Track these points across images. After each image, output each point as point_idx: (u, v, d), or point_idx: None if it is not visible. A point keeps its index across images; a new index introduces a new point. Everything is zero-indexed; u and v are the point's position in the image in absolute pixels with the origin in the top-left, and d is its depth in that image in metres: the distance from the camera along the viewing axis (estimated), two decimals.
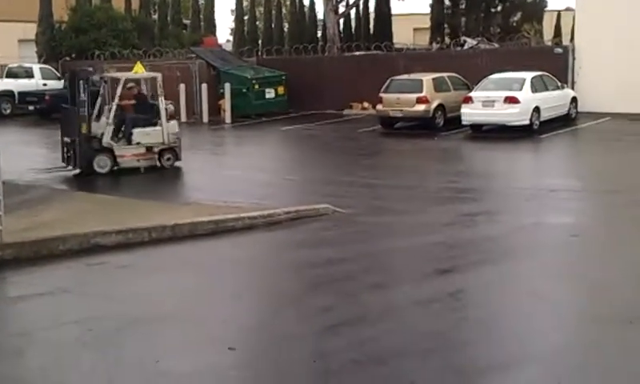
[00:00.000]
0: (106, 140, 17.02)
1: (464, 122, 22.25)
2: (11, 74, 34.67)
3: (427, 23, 38.70)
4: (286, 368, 6.66)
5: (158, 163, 17.51)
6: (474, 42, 32.21)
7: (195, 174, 17.68)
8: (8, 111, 33.03)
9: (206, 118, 28.57)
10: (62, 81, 33.82)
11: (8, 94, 33.24)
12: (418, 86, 23.65)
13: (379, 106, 24.33)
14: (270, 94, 29.42)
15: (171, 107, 18.29)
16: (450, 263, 9.77)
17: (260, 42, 41.94)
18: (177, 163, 17.83)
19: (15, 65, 35.85)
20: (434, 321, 7.74)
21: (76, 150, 16.93)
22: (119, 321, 7.80)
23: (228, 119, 28.00)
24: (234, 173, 17.89)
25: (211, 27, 43.79)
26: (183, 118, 28.72)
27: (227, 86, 28.20)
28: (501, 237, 11.10)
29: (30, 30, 40.56)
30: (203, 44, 34.90)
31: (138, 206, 13.01)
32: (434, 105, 23.44)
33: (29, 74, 34.53)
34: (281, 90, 29.75)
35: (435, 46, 35.88)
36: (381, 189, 15.22)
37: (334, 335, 7.36)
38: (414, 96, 23.41)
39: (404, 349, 6.96)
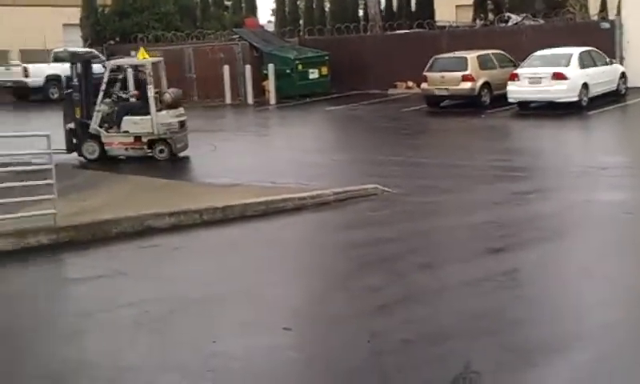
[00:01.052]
0: (93, 126, 16.62)
1: (510, 100, 22.00)
2: (58, 59, 35.03)
3: (470, 0, 38.25)
4: (339, 348, 6.69)
5: (149, 154, 16.52)
6: (519, 18, 31.74)
7: (241, 155, 17.74)
8: (56, 95, 33.42)
9: (250, 100, 28.63)
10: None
11: (55, 79, 33.61)
12: (462, 64, 23.43)
13: (424, 85, 24.17)
14: (313, 74, 29.38)
15: (168, 96, 16.91)
16: (501, 242, 9.71)
17: (301, 22, 41.83)
18: (184, 153, 16.82)
19: (61, 49, 36.26)
20: (486, 300, 7.70)
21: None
22: (174, 302, 7.90)
23: (272, 100, 28.05)
24: (281, 154, 17.94)
25: (252, 8, 43.78)
26: (228, 100, 28.90)
27: (271, 67, 28.23)
28: (552, 215, 10.98)
29: (74, 14, 41.00)
30: (245, 25, 34.96)
31: (186, 189, 13.14)
32: (480, 82, 23.21)
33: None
34: (324, 70, 29.69)
35: (478, 23, 35.43)
36: (429, 168, 15.14)
37: (386, 315, 7.37)
38: (459, 74, 23.21)
39: (457, 328, 6.94)
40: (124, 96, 17.02)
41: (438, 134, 20.74)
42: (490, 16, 35.70)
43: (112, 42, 38.81)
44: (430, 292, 8.01)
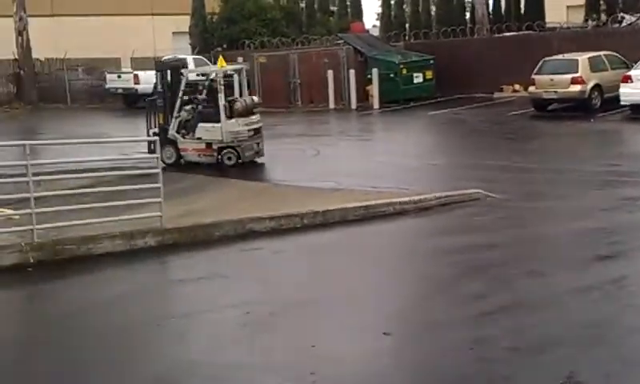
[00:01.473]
0: (171, 132, 17.00)
1: (623, 103, 21.25)
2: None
3: (581, 0, 37.24)
4: (441, 354, 6.57)
5: (218, 160, 16.63)
6: (633, 18, 30.71)
7: (343, 160, 17.75)
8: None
9: (354, 104, 28.66)
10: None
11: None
12: (573, 66, 22.81)
13: (532, 88, 23.64)
14: (417, 78, 29.16)
15: (238, 104, 17.02)
16: (610, 249, 9.37)
17: (407, 26, 41.66)
18: (261, 159, 17.05)
19: (170, 57, 37.21)
20: (594, 308, 7.44)
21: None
22: (275, 305, 7.95)
23: (376, 105, 28.00)
24: (383, 158, 17.86)
25: (358, 13, 43.89)
26: (331, 105, 29.01)
27: (375, 71, 28.19)
28: None
29: (183, 22, 42.05)
30: (350, 30, 35.03)
31: (287, 193, 13.23)
32: (590, 85, 22.54)
33: (183, 66, 35.65)
34: (429, 74, 29.43)
35: (591, 23, 34.45)
36: (534, 173, 14.77)
37: (490, 322, 7.20)
38: (569, 76, 22.60)
39: (564, 337, 6.73)
40: (223, 103, 17.06)
41: (545, 138, 20.23)
42: (603, 16, 34.65)
43: (219, 49, 39.57)
44: (536, 299, 7.79)
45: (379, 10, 49.57)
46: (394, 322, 7.49)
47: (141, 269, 9.79)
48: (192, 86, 17.83)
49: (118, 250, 10.12)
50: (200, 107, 17.37)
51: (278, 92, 30.79)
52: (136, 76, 34.58)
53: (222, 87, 17.00)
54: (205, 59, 36.86)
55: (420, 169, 16.00)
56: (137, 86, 34.38)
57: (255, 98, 18.14)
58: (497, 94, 28.66)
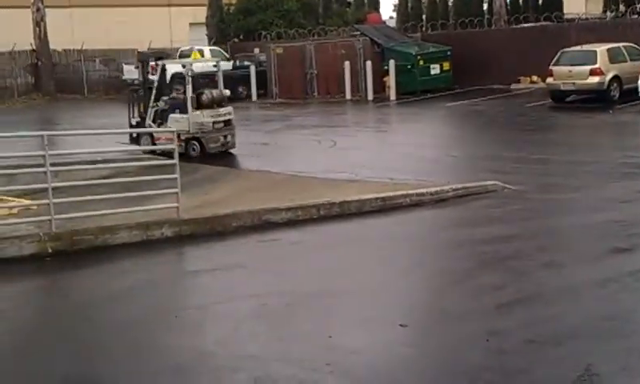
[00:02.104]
0: (147, 121, 17.66)
1: None
2: (183, 57, 35.98)
3: None
4: (457, 346, 6.56)
5: (185, 150, 16.36)
6: None
7: (360, 151, 17.73)
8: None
9: (370, 96, 28.62)
10: (231, 62, 34.87)
11: (181, 76, 34.45)
12: (591, 58, 22.67)
13: (549, 80, 23.51)
14: (434, 69, 29.08)
15: (204, 97, 17.45)
16: (628, 242, 9.31)
17: (424, 17, 41.53)
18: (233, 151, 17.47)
19: (187, 47, 37.24)
20: (612, 301, 7.39)
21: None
22: (291, 296, 7.96)
23: (392, 96, 27.95)
24: (399, 149, 17.83)
25: (375, 4, 43.81)
26: (348, 96, 28.98)
27: (392, 62, 28.12)
28: None
29: (200, 13, 42.12)
30: (367, 21, 34.97)
31: (304, 184, 13.23)
32: (609, 76, 22.40)
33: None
34: (446, 65, 29.33)
35: (609, 14, 34.22)
36: (552, 165, 14.71)
37: (507, 314, 7.18)
38: (587, 68, 22.47)
39: (581, 330, 6.70)
40: (190, 95, 17.38)
41: (563, 129, 20.13)
42: (622, 7, 34.41)
43: (236, 40, 39.63)
44: (554, 291, 7.76)
45: (396, 1, 49.41)
46: (410, 314, 7.50)
47: (158, 259, 9.82)
48: (180, 78, 18.17)
49: (135, 241, 10.17)
50: (172, 99, 17.92)
51: (294, 83, 30.80)
52: (153, 67, 34.59)
53: (190, 79, 17.40)
54: (221, 50, 36.91)
55: (437, 160, 15.96)
56: (154, 77, 34.38)
57: (226, 92, 18.47)
58: (514, 86, 28.54)
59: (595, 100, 22.40)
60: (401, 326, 7.04)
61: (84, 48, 37.74)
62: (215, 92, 18.09)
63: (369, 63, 28.77)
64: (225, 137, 17.57)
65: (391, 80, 28.14)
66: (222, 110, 17.74)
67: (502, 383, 5.70)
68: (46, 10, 36.97)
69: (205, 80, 32.93)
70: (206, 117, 17.30)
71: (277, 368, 6.14)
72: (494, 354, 6.31)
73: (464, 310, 7.38)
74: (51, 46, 37.75)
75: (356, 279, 8.49)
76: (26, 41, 36.96)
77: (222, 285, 8.63)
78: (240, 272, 9.06)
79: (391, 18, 48.80)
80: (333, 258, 9.48)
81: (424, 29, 35.97)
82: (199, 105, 17.31)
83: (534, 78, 28.02)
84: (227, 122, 17.71)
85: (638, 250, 9.04)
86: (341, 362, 6.25)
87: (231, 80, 32.26)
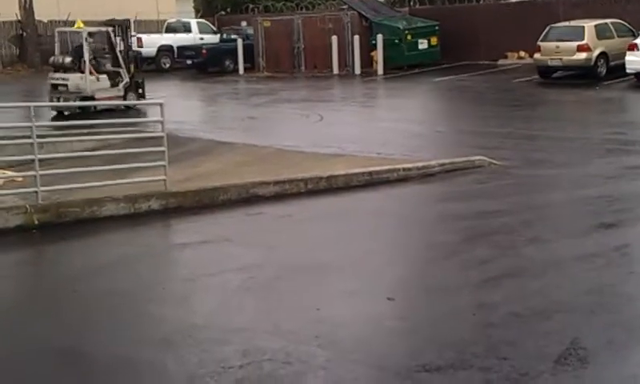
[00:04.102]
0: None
1: (628, 71, 21.20)
2: (170, 29, 35.79)
3: None
4: (444, 319, 6.60)
5: None
6: None
7: (347, 125, 17.73)
8: (167, 65, 34.16)
9: (358, 70, 28.57)
10: (218, 35, 34.67)
11: (167, 49, 34.31)
12: (579, 34, 22.70)
13: (537, 55, 23.54)
14: (422, 44, 29.04)
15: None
16: (614, 217, 9.37)
17: None
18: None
19: (173, 20, 36.99)
20: (598, 275, 7.44)
21: None
22: (279, 269, 7.97)
23: (380, 71, 27.91)
24: (386, 124, 17.84)
25: None
26: (335, 70, 28.92)
27: (379, 37, 28.06)
28: None
29: None
30: None
31: (292, 158, 13.22)
32: (596, 53, 22.45)
33: (186, 29, 35.51)
34: (434, 40, 29.30)
35: None
36: (539, 140, 14.76)
37: (494, 288, 7.22)
38: (575, 44, 22.51)
39: (567, 303, 6.75)
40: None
41: (550, 105, 20.17)
42: None
43: (223, 13, 39.37)
44: (540, 266, 7.80)
45: None
46: (397, 287, 7.52)
47: (145, 232, 9.80)
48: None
49: (122, 214, 10.14)
50: None
51: (281, 57, 30.70)
52: (139, 39, 34.38)
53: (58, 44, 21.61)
54: (209, 23, 36.70)
55: (424, 135, 15.98)
56: (140, 49, 34.18)
57: (68, 59, 21.21)
58: (502, 61, 28.56)
59: (582, 76, 22.46)
60: (388, 299, 7.08)
61: (70, 19, 37.37)
62: (60, 58, 21.38)
63: (356, 37, 28.69)
64: (57, 99, 20.27)
65: (379, 54, 28.09)
66: (57, 75, 21.09)
67: (489, 356, 5.73)
68: None
69: (190, 52, 32.86)
70: (49, 78, 21.37)
71: (265, 341, 6.15)
72: (480, 327, 6.35)
73: (451, 283, 7.43)
74: (37, 17, 37.37)
75: (344, 253, 8.51)
76: (10, 11, 36.55)
77: (209, 258, 8.62)
78: (227, 245, 9.06)
79: None
80: (320, 232, 9.49)
81: (412, 3, 35.85)
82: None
83: (522, 53, 28.05)
84: (55, 86, 20.86)
85: (623, 225, 9.10)
86: (329, 334, 6.27)
87: (218, 53, 32.28)
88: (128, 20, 22.64)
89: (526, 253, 8.24)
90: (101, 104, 19.76)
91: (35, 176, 9.97)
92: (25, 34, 37.51)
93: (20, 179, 10.83)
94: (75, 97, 20.18)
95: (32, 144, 10.04)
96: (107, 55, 21.36)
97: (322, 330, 6.35)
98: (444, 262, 8.18)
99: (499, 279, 7.41)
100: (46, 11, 37.41)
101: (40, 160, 10.08)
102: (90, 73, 20.65)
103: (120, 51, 21.29)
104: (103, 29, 21.50)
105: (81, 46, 20.90)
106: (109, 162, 11.19)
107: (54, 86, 20.92)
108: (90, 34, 21.10)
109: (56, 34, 22.41)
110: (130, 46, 21.86)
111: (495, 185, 11.40)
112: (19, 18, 37.40)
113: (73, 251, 9.22)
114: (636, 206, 9.91)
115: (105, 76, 20.96)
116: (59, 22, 38.19)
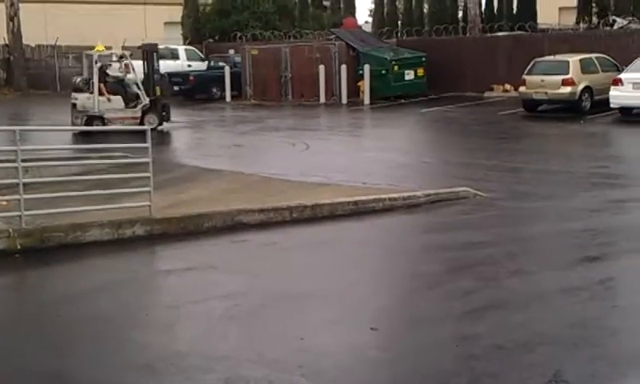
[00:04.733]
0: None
1: (612, 105, 21.38)
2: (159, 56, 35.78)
3: (574, 2, 37.33)
4: (427, 351, 6.60)
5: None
6: (625, 22, 30.84)
7: (333, 155, 17.76)
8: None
9: (344, 99, 28.69)
10: (206, 62, 34.73)
11: None
12: (564, 68, 22.91)
13: (522, 89, 23.73)
14: (409, 75, 29.21)
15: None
16: (598, 250, 9.42)
17: (400, 23, 41.67)
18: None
19: (162, 46, 36.99)
20: (582, 309, 7.46)
21: None
22: (263, 297, 7.95)
23: (367, 100, 28.02)
24: (372, 154, 17.88)
25: (351, 9, 43.91)
26: (322, 99, 29.02)
27: (366, 67, 28.21)
28: None
29: (176, 12, 41.96)
30: (343, 25, 35.02)
31: (276, 186, 13.23)
32: (581, 87, 22.65)
33: (174, 56, 35.59)
34: (420, 71, 29.47)
35: (582, 26, 34.55)
36: (523, 173, 14.84)
37: (477, 320, 7.22)
38: (560, 78, 22.70)
39: (551, 336, 6.75)
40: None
41: (535, 138, 20.29)
42: (595, 19, 34.76)
43: (211, 40, 39.51)
44: (523, 298, 7.81)
45: (372, 6, 49.59)
46: (381, 318, 7.52)
47: (129, 258, 9.76)
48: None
49: (106, 239, 10.10)
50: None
51: (268, 85, 30.81)
52: (127, 65, 34.37)
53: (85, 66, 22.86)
54: (197, 50, 36.80)
55: (409, 166, 16.03)
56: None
57: (79, 80, 22.77)
58: (487, 94, 28.76)
59: (567, 110, 22.64)
60: (372, 329, 7.07)
61: (57, 44, 37.42)
62: (76, 79, 23.17)
63: (344, 67, 28.84)
64: (76, 118, 21.58)
65: (365, 84, 28.22)
66: (73, 95, 22.24)
67: None
68: (20, 4, 36.63)
69: (177, 79, 32.98)
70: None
71: (248, 369, 6.13)
72: (463, 359, 6.35)
73: (434, 314, 7.43)
74: (24, 41, 37.40)
75: (328, 282, 8.50)
76: None
77: (193, 285, 8.59)
78: (212, 272, 9.03)
79: (367, 22, 48.82)
80: (305, 261, 9.49)
81: (399, 34, 36.10)
82: None
83: (507, 86, 28.25)
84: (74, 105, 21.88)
85: (607, 258, 9.15)
86: (312, 363, 6.25)
87: (205, 80, 32.33)
88: (156, 45, 23.53)
89: (509, 285, 8.26)
90: (84, 129, 20.57)
91: (19, 200, 9.92)
92: (12, 57, 37.52)
93: (4, 203, 10.77)
94: (83, 115, 21.37)
95: (16, 168, 10.00)
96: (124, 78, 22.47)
97: (306, 359, 6.33)
98: (428, 292, 8.18)
99: (483, 311, 7.41)
100: (34, 36, 37.47)
101: (24, 184, 10.04)
102: (101, 93, 21.45)
103: (146, 75, 22.26)
104: (118, 53, 22.77)
105: (101, 68, 21.85)
106: (94, 187, 11.15)
107: (73, 105, 21.93)
108: (121, 57, 22.39)
109: (84, 57, 23.44)
110: (157, 70, 22.37)
111: (480, 216, 11.43)
112: (6, 41, 37.42)
113: (56, 276, 9.16)
114: (620, 239, 9.95)
115: (118, 97, 21.74)
116: (47, 46, 38.28)
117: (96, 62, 21.57)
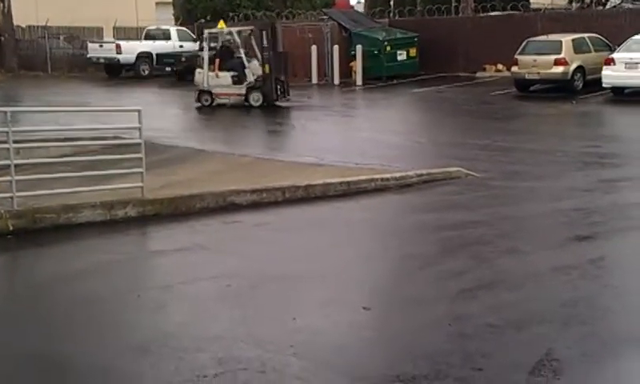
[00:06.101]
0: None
1: (605, 85, 21.39)
2: (149, 36, 35.70)
3: None
4: (420, 330, 6.61)
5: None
6: (618, 1, 30.81)
7: (325, 135, 17.75)
8: (146, 72, 34.05)
9: (337, 80, 28.63)
10: (197, 42, 34.58)
11: (146, 56, 34.23)
12: (556, 47, 22.89)
13: (514, 68, 23.71)
14: (401, 55, 29.14)
15: None
16: (590, 229, 9.44)
17: (392, 3, 41.47)
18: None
19: (153, 27, 36.88)
20: (573, 288, 7.49)
21: None
22: (255, 278, 7.95)
23: (359, 81, 27.97)
24: (365, 134, 17.87)
25: None
26: (314, 80, 28.95)
27: (359, 47, 28.13)
28: None
29: None
30: (335, 5, 34.89)
31: (270, 166, 13.22)
32: (573, 67, 22.65)
33: (166, 36, 35.45)
34: (413, 51, 29.41)
35: (575, 5, 34.53)
36: (516, 153, 14.85)
37: (469, 299, 7.24)
38: (552, 58, 22.69)
39: (543, 315, 6.78)
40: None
41: (527, 118, 20.31)
42: None
43: (203, 21, 39.28)
44: (516, 277, 7.84)
45: None
46: (374, 297, 7.54)
47: (121, 239, 9.74)
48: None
49: (99, 220, 10.08)
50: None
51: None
52: (118, 45, 34.29)
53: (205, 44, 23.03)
54: (188, 31, 36.62)
55: (402, 146, 16.03)
56: (119, 56, 34.09)
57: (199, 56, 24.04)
58: (480, 74, 28.73)
59: (559, 89, 22.64)
60: (364, 309, 7.09)
61: (48, 25, 37.19)
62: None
63: (336, 47, 28.76)
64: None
65: (358, 65, 28.15)
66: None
67: (464, 367, 5.75)
68: None
69: (169, 60, 32.81)
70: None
71: (241, 349, 6.13)
72: (456, 338, 6.36)
73: (427, 294, 7.45)
74: (15, 22, 37.14)
75: (320, 262, 8.51)
76: None
77: (185, 265, 8.58)
78: (204, 253, 9.03)
79: (359, 2, 48.60)
80: (297, 241, 9.49)
81: (392, 15, 35.97)
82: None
83: (499, 66, 28.23)
84: None
85: (598, 237, 9.17)
86: (305, 343, 6.26)
87: (197, 60, 32.15)
88: (273, 24, 23.82)
89: (501, 264, 8.28)
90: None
91: (11, 181, 9.89)
92: (3, 38, 37.28)
93: None
94: (196, 90, 22.97)
95: (8, 149, 9.96)
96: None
97: (298, 339, 6.34)
98: (420, 272, 8.19)
99: (475, 290, 7.42)
100: (25, 16, 37.20)
101: (16, 165, 10.00)
102: (212, 69, 22.57)
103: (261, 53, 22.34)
104: (237, 29, 23.84)
105: (227, 47, 23.22)
106: (86, 169, 11.11)
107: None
108: (238, 33, 23.32)
109: (206, 35, 23.58)
110: (269, 49, 22.13)
111: (472, 196, 11.44)
112: None
113: (48, 257, 9.14)
114: (611, 218, 9.98)
115: (226, 74, 22.64)
116: (37, 27, 38.05)
117: (205, 39, 22.92)
